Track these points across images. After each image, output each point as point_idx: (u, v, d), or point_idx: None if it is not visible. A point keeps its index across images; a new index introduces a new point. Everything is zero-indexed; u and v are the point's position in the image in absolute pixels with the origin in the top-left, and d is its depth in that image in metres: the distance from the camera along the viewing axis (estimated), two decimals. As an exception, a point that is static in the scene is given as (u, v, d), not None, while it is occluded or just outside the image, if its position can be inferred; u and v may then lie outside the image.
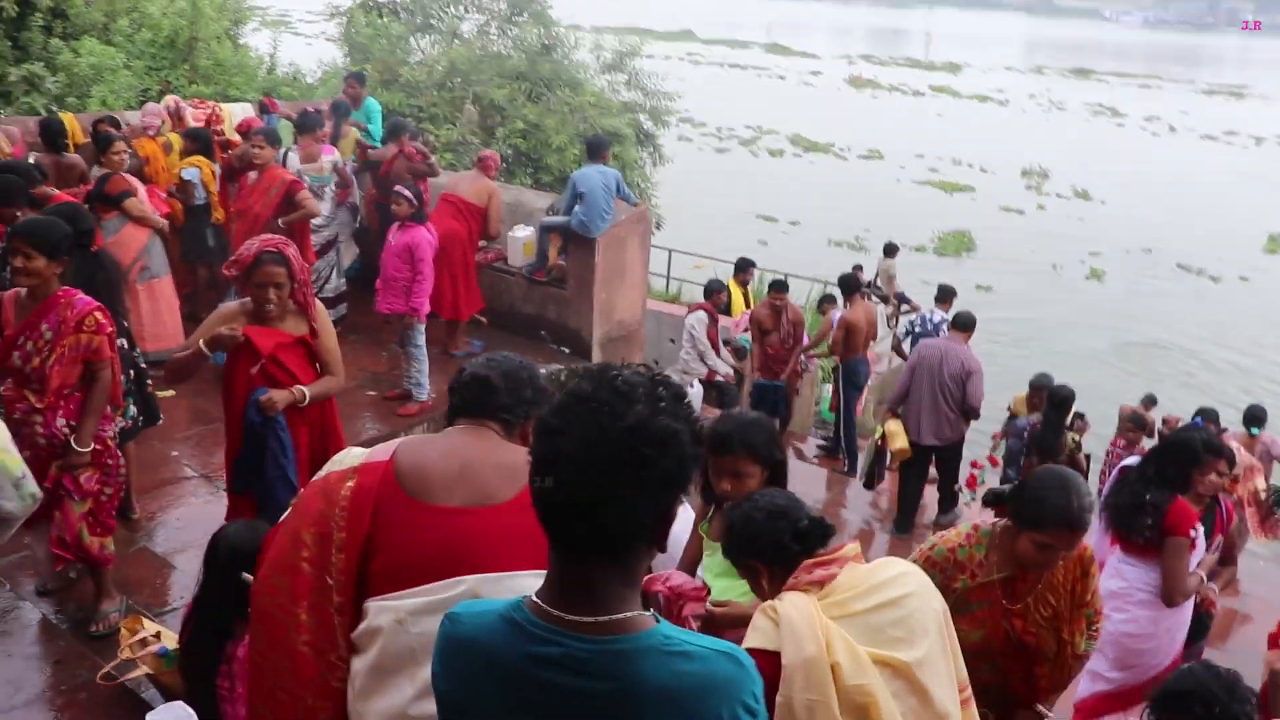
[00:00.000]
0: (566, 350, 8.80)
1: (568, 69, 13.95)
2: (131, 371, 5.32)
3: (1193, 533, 4.78)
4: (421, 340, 7.49)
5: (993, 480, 8.95)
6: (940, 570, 3.26)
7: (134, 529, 5.69)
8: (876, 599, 2.44)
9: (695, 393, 9.60)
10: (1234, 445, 9.01)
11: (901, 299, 14.32)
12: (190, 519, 5.89)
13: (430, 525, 2.30)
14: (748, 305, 12.10)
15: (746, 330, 10.93)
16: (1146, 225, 26.52)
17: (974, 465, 8.89)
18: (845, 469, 10.27)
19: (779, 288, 10.05)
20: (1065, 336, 18.39)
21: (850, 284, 9.69)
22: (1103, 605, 3.68)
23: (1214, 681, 2.67)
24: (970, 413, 7.74)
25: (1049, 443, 7.16)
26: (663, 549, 1.65)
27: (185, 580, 5.19)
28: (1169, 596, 4.72)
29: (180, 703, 3.58)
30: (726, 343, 10.39)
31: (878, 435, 8.24)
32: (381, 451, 2.41)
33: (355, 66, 12.55)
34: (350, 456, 2.44)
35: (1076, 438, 7.36)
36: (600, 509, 1.53)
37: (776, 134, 35.58)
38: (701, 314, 10.01)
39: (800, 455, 10.44)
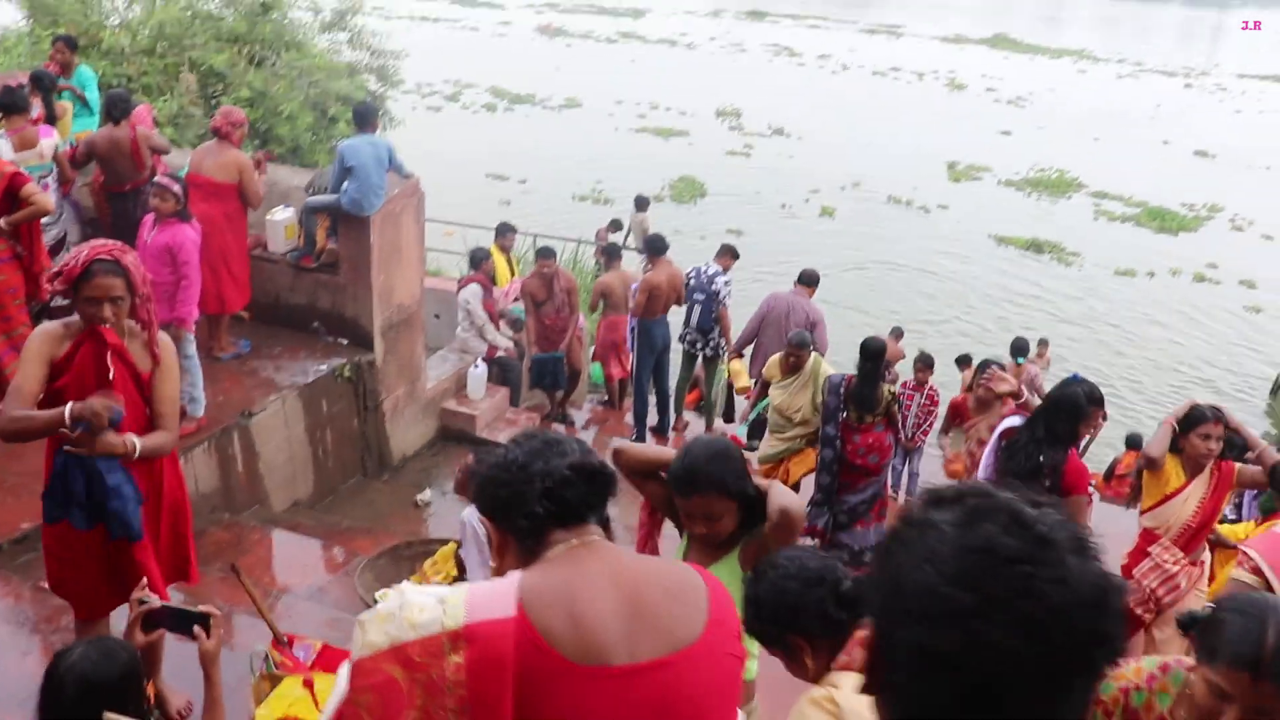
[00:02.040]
0: (344, 342, 8.03)
1: (289, 29, 12.78)
2: None
3: (1090, 488, 4.83)
4: (192, 350, 6.58)
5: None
6: (1105, 716, 2.44)
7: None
8: None
9: (479, 373, 9.08)
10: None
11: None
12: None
13: (616, 696, 1.70)
14: (513, 273, 11.64)
15: (517, 300, 10.48)
16: (845, 159, 27.75)
17: None
18: (634, 436, 10.07)
19: (546, 254, 9.70)
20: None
21: (657, 246, 9.42)
22: None
23: None
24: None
25: (867, 396, 7.10)
26: None
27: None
28: None
29: None
30: (501, 315, 9.90)
31: (726, 374, 9.69)
32: (487, 602, 1.69)
33: (42, 29, 10.95)
34: (420, 610, 1.68)
35: (892, 389, 7.35)
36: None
37: (476, 87, 34.83)
38: (475, 287, 9.48)
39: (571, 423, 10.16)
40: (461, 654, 1.63)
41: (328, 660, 4.07)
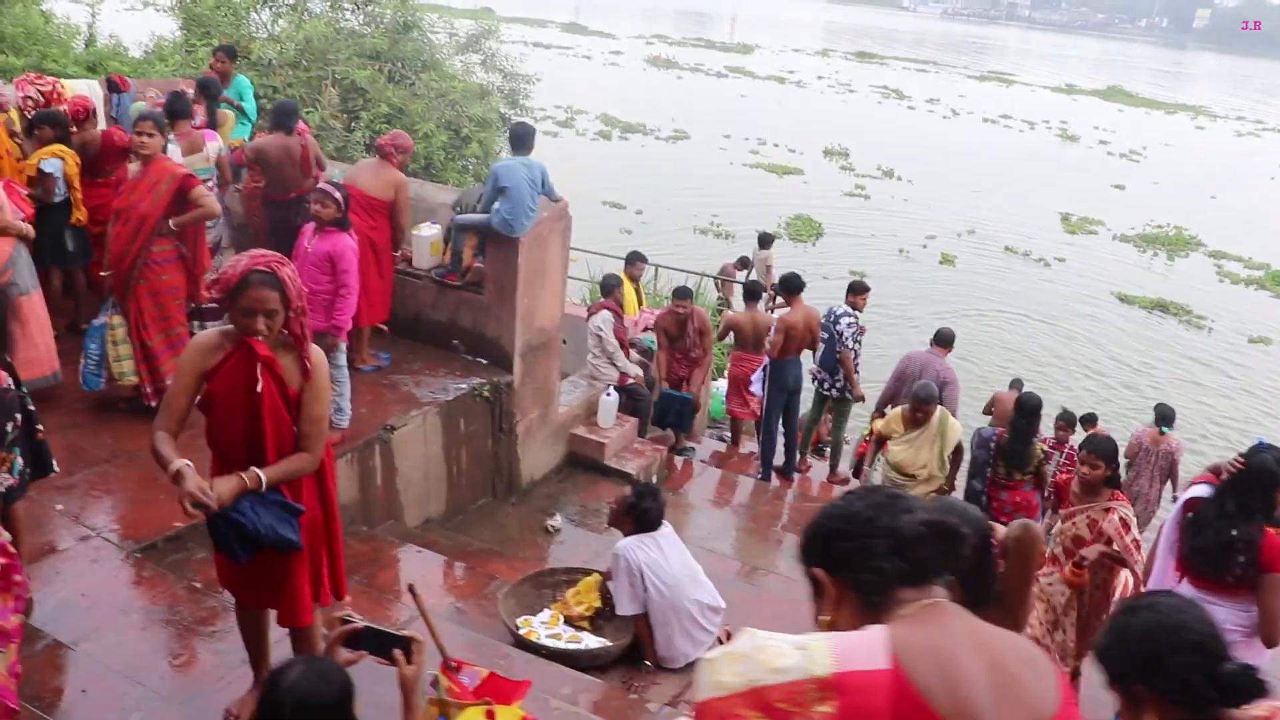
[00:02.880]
0: (483, 361, 7.98)
1: (428, 49, 12.94)
2: (17, 415, 4.26)
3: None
4: (344, 361, 6.59)
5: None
6: None
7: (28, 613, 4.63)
8: None
9: (611, 400, 8.97)
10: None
11: (777, 289, 14.05)
12: (97, 595, 4.86)
13: None
14: (640, 302, 11.60)
15: (646, 330, 10.40)
16: (958, 206, 27.52)
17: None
18: (759, 475, 9.88)
19: (683, 294, 9.67)
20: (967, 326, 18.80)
21: (793, 284, 9.28)
22: None
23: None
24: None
25: (1019, 452, 6.87)
26: None
27: (98, 674, 4.25)
28: (1271, 637, 4.43)
29: None
30: (631, 344, 9.82)
31: (866, 433, 9.64)
32: (856, 653, 1.62)
33: (196, 40, 11.21)
34: (780, 655, 1.60)
35: (1045, 448, 7.11)
36: None
37: (588, 114, 35.14)
38: (606, 314, 9.40)
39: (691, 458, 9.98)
40: (831, 704, 1.56)
41: (493, 689, 3.93)
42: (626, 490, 5.74)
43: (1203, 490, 4.85)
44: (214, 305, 3.68)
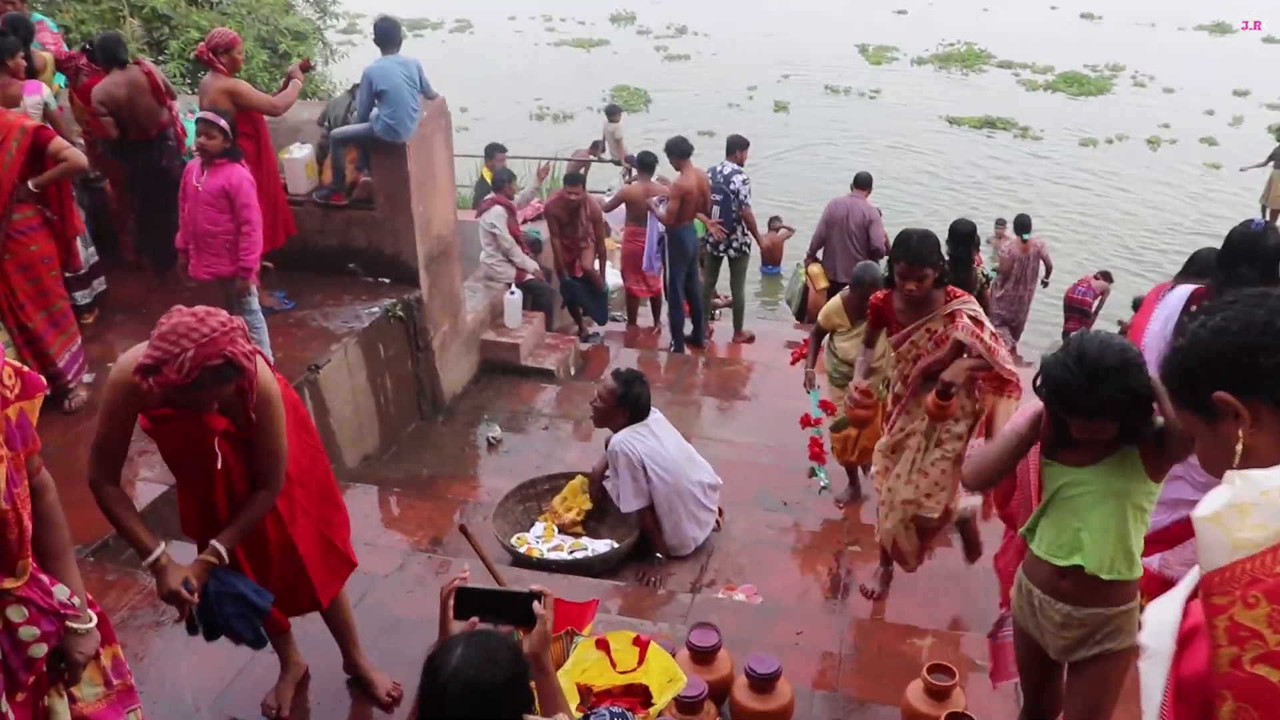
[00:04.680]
0: (386, 280, 7.48)
1: (224, -37, 11.85)
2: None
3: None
4: (257, 305, 6.04)
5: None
6: None
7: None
8: None
9: (516, 299, 8.60)
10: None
11: (631, 160, 13.72)
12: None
13: None
14: (497, 190, 11.08)
15: (525, 221, 9.99)
16: (762, 53, 27.46)
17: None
18: (672, 347, 9.71)
19: (573, 180, 9.35)
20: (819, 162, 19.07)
21: (683, 149, 8.97)
22: None
23: None
24: (876, 254, 8.93)
25: (961, 280, 6.78)
26: None
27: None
28: None
29: None
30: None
31: (803, 277, 10.02)
32: None
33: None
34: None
35: (984, 272, 7.06)
36: None
37: (365, 16, 33.35)
38: (499, 209, 8.96)
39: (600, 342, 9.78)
40: None
41: (562, 616, 3.68)
42: (609, 382, 5.44)
43: (1179, 293, 4.80)
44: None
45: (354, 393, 6.85)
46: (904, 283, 4.37)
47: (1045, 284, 11.39)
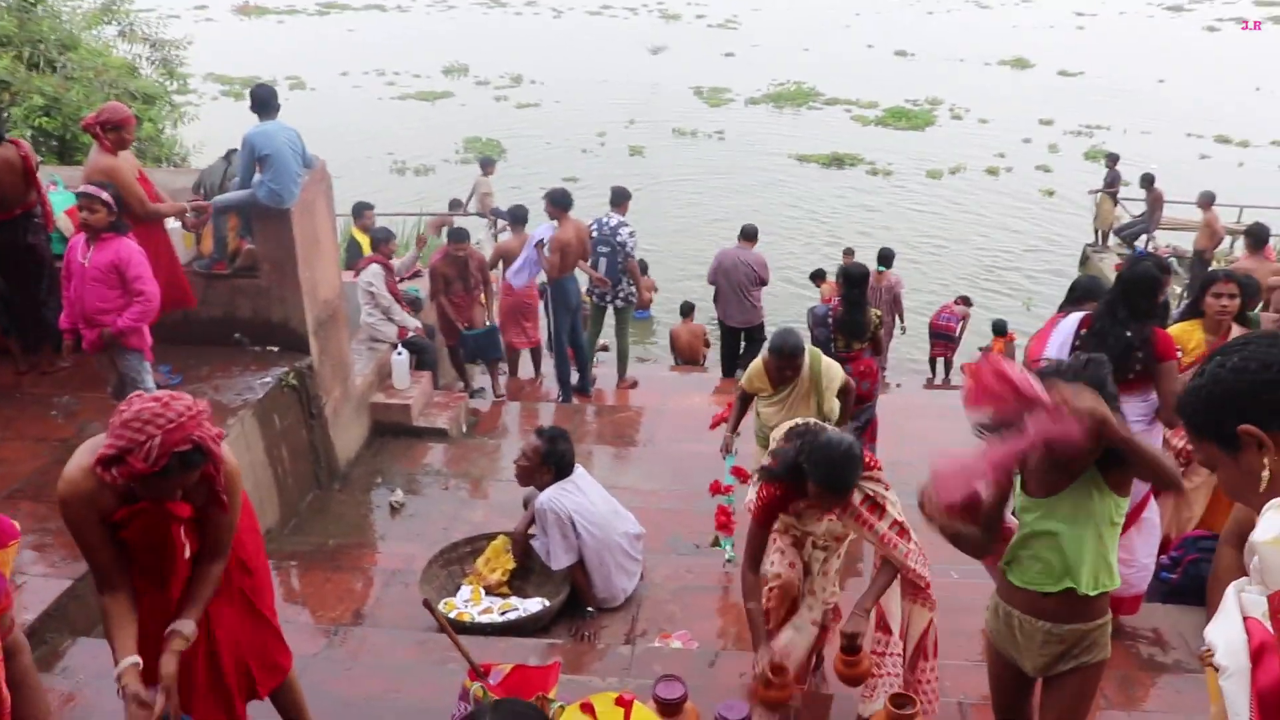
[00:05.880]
0: (274, 349, 7.28)
1: (63, 25, 11.38)
2: None
3: (1178, 352, 4.93)
4: (151, 381, 5.80)
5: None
6: None
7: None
8: None
9: (403, 359, 8.48)
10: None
11: (498, 214, 13.71)
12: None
13: None
14: (374, 249, 10.94)
15: (404, 280, 9.90)
16: (604, 98, 28.03)
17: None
18: (560, 398, 9.71)
19: (459, 237, 9.33)
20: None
21: (563, 201, 8.99)
22: None
23: None
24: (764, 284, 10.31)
25: (856, 322, 6.98)
26: None
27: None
28: (1169, 418, 4.84)
29: None
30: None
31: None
32: None
33: None
34: None
35: (878, 313, 7.27)
36: None
37: (196, 76, 32.55)
38: (376, 267, 8.87)
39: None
40: None
41: (520, 681, 3.65)
42: (533, 440, 5.41)
43: (1070, 320, 5.15)
44: None
45: (252, 466, 6.62)
46: (824, 512, 3.98)
47: (903, 330, 11.81)
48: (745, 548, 3.99)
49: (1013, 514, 3.13)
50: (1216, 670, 1.57)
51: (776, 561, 4.08)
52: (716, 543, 6.15)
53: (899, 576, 3.87)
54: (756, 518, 3.89)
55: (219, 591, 3.26)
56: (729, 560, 6.00)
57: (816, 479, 3.58)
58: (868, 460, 3.79)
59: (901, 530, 3.81)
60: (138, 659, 2.91)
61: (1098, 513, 2.94)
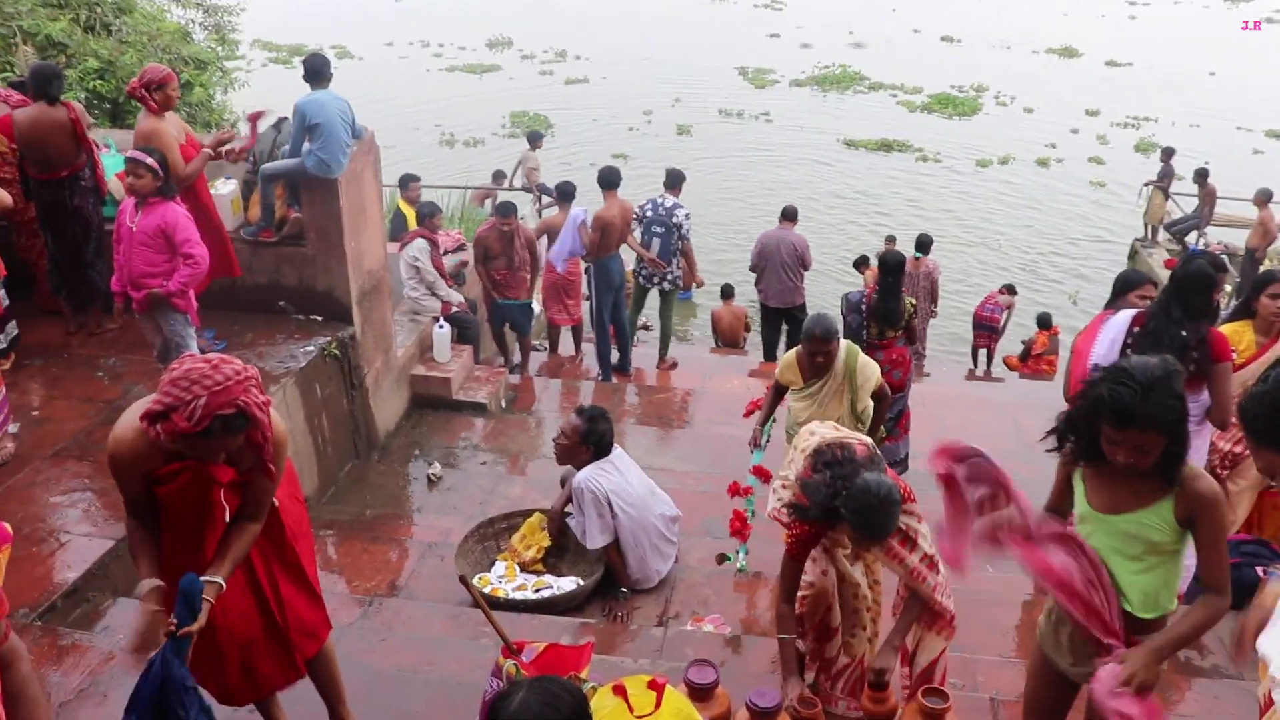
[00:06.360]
0: (318, 318, 7.32)
1: (117, -10, 11.46)
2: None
3: (1234, 354, 4.84)
4: (194, 344, 5.86)
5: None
6: None
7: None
8: None
9: (444, 333, 8.50)
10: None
11: (543, 189, 13.71)
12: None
13: None
14: (420, 223, 10.97)
15: (447, 253, 9.89)
16: (650, 77, 27.87)
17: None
18: (599, 376, 9.71)
19: (506, 210, 9.27)
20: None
21: (611, 179, 8.97)
22: None
23: None
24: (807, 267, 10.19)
25: (891, 310, 6.90)
26: None
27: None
28: (1224, 420, 4.76)
29: None
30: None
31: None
32: None
33: None
34: None
35: (913, 301, 7.19)
36: None
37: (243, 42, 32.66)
38: (422, 242, 8.89)
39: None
40: None
41: (553, 660, 3.66)
42: (573, 419, 5.41)
43: (1121, 317, 5.06)
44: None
45: (292, 434, 6.60)
46: (861, 550, 3.92)
47: (934, 313, 11.67)
48: (779, 580, 3.90)
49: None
50: (1275, 682, 1.54)
51: (809, 569, 3.97)
52: (724, 559, 5.84)
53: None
54: (790, 552, 3.79)
55: (273, 557, 3.31)
56: (740, 570, 5.77)
57: (855, 524, 3.47)
58: (904, 492, 3.65)
59: (931, 563, 3.72)
60: (160, 581, 2.95)
61: (1158, 543, 2.81)
